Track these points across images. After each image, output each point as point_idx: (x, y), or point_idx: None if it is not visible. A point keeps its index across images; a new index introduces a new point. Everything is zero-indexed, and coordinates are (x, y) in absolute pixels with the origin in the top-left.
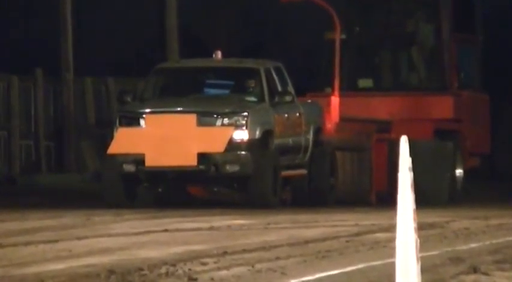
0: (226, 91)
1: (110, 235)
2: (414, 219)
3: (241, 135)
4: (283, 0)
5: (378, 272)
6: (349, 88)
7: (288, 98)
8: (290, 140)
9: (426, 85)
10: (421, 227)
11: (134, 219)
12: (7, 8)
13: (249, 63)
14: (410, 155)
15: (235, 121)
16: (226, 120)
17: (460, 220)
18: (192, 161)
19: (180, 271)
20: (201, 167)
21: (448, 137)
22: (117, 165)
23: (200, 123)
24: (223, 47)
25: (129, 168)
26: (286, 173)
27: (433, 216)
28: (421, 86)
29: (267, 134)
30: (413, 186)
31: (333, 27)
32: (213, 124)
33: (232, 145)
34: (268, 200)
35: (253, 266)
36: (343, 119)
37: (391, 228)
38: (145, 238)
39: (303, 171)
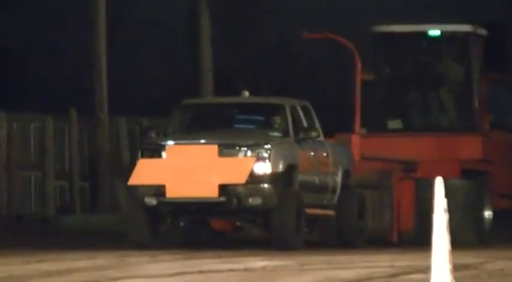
0: (251, 126)
1: (144, 276)
2: (449, 261)
3: (264, 167)
4: (304, 36)
5: None
6: (378, 129)
7: (313, 134)
8: (316, 178)
9: (455, 126)
10: (455, 268)
11: (169, 260)
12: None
13: (274, 99)
14: (430, 194)
15: (258, 153)
16: (248, 152)
17: (494, 261)
18: (213, 193)
19: None
20: (222, 199)
21: (477, 177)
22: (139, 199)
23: (222, 154)
24: (254, 87)
25: (151, 201)
26: (311, 211)
27: (467, 257)
28: (450, 127)
29: (290, 169)
30: (448, 228)
31: (355, 65)
32: (234, 156)
33: (254, 177)
34: (291, 236)
35: None
36: (365, 158)
37: (427, 269)
38: (180, 279)
39: (331, 212)
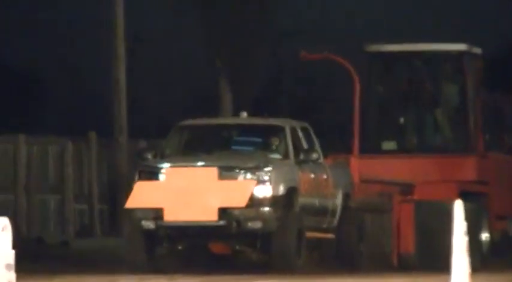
0: (251, 148)
1: None
2: None
3: (265, 191)
4: (303, 58)
5: None
6: (372, 149)
7: (314, 156)
8: (316, 201)
9: (451, 147)
10: None
11: (196, 280)
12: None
13: (273, 121)
14: (431, 217)
15: (258, 176)
16: (248, 175)
17: None
18: (213, 216)
19: None
20: (222, 222)
21: (474, 199)
22: (137, 222)
23: (222, 177)
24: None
25: (148, 224)
26: (312, 234)
27: (484, 280)
28: (445, 148)
29: (291, 191)
30: (468, 250)
31: (353, 86)
32: (235, 178)
33: (254, 201)
34: (291, 260)
35: None
36: (363, 181)
37: None
38: None
39: (330, 235)
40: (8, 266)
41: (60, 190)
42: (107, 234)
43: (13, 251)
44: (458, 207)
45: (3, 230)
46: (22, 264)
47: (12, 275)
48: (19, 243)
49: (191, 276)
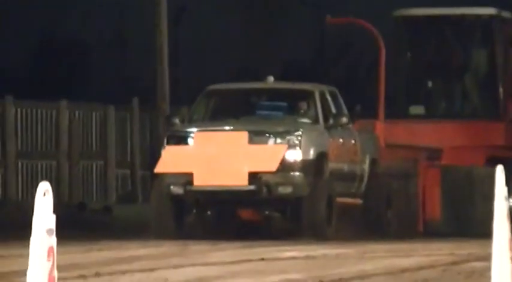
0: (279, 113)
1: (206, 264)
2: (510, 249)
3: (295, 155)
4: (329, 22)
5: None
6: (398, 115)
7: (343, 121)
8: (345, 167)
9: (479, 112)
10: None
11: (230, 248)
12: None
13: (303, 85)
14: (458, 182)
15: (288, 140)
16: (279, 140)
17: None
18: (243, 181)
19: None
20: (252, 187)
21: (504, 165)
22: (165, 188)
23: (252, 142)
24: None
25: (177, 190)
26: (341, 200)
27: None
28: (473, 113)
29: (321, 156)
30: (509, 216)
31: (379, 51)
32: (265, 143)
33: (285, 165)
34: (322, 228)
35: None
36: (389, 146)
37: (487, 257)
38: (242, 267)
39: (359, 201)
40: (49, 231)
41: (103, 156)
42: (149, 200)
43: (54, 216)
44: (500, 172)
45: (44, 194)
46: (64, 229)
47: (53, 240)
48: (61, 209)
49: (233, 242)
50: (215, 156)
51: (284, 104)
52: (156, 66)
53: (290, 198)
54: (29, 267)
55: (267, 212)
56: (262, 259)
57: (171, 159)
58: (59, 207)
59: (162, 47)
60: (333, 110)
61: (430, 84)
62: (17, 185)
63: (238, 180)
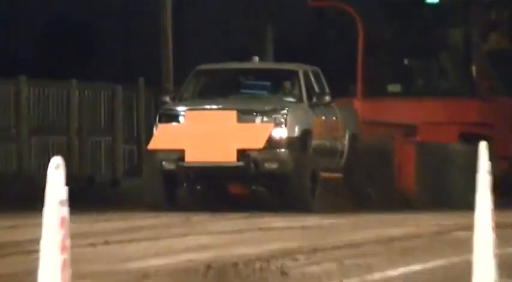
0: (265, 92)
1: (207, 233)
2: (492, 219)
3: (281, 132)
4: (311, 4)
5: (457, 267)
6: (378, 93)
7: (326, 99)
8: (327, 143)
9: (454, 90)
10: (498, 226)
11: (230, 219)
12: (112, 20)
13: (287, 65)
14: (432, 157)
15: (275, 119)
16: (265, 118)
17: None
18: (232, 158)
19: (273, 266)
20: (240, 163)
21: (475, 141)
22: (157, 163)
23: (240, 120)
24: None
25: (169, 165)
26: (324, 174)
27: (509, 216)
28: (448, 91)
29: (306, 134)
30: (491, 188)
31: (357, 32)
32: (252, 121)
33: (271, 142)
34: (306, 200)
35: (341, 262)
36: (367, 122)
37: (471, 227)
38: (241, 236)
39: (340, 175)
40: (61, 202)
41: (111, 132)
42: None
43: (66, 188)
44: (483, 148)
45: (56, 168)
46: (74, 201)
47: (65, 211)
48: (71, 182)
49: (232, 213)
50: (205, 134)
51: (268, 83)
52: (160, 47)
53: (276, 173)
54: (42, 236)
55: (254, 187)
56: (260, 229)
57: (163, 137)
58: (69, 181)
59: (166, 29)
60: (316, 89)
61: (407, 63)
62: (30, 159)
63: (227, 156)
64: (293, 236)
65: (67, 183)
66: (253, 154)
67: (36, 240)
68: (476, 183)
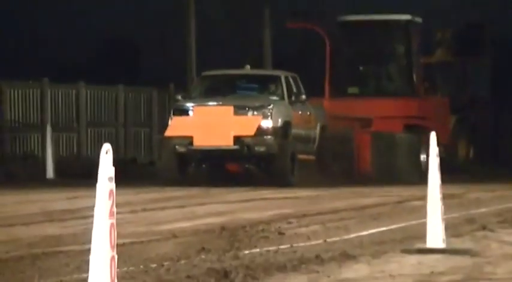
0: (255, 92)
1: (222, 202)
2: (440, 191)
3: (267, 123)
4: (289, 25)
5: (414, 229)
6: (341, 94)
7: (302, 98)
8: (303, 132)
9: (399, 91)
10: (445, 197)
11: (242, 191)
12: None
13: (271, 72)
14: (383, 144)
15: (263, 113)
16: (255, 112)
17: (473, 192)
18: (229, 142)
19: (273, 228)
20: (236, 147)
21: (417, 131)
22: (172, 147)
23: (236, 113)
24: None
25: (181, 148)
26: (301, 156)
27: (452, 189)
28: (395, 92)
29: (286, 124)
30: (439, 168)
31: (327, 48)
32: (245, 114)
33: (260, 131)
34: (287, 177)
35: (324, 225)
36: (333, 117)
37: (424, 197)
38: (248, 204)
39: (313, 157)
40: (110, 178)
41: (149, 125)
42: None
43: (113, 168)
44: (433, 137)
45: (106, 152)
46: (120, 178)
47: (113, 185)
48: (118, 163)
49: (243, 187)
50: (209, 124)
51: (257, 85)
52: (186, 58)
53: (264, 155)
54: (96, 204)
55: (247, 166)
56: (262, 199)
57: (177, 126)
58: (116, 162)
59: (190, 43)
60: (295, 90)
61: (363, 70)
62: (87, 145)
63: (226, 141)
64: (287, 205)
65: (114, 164)
66: (247, 140)
67: (92, 208)
68: (416, 163)
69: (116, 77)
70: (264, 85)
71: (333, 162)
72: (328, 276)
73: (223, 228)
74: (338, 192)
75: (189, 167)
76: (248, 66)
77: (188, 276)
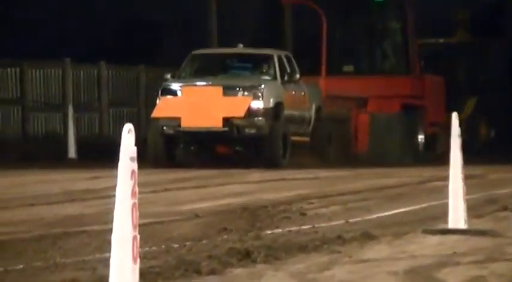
0: (247, 72)
1: (243, 183)
2: (462, 172)
3: (258, 104)
4: (284, 2)
5: (435, 209)
6: (335, 72)
7: (296, 77)
8: (297, 113)
9: (395, 69)
10: (466, 178)
11: (261, 171)
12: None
13: (265, 50)
14: (381, 124)
15: (254, 93)
16: (246, 92)
17: (494, 173)
18: (218, 124)
19: (294, 208)
20: (225, 129)
21: (413, 110)
22: (159, 128)
23: (225, 94)
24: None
25: (169, 130)
26: (294, 138)
27: (473, 170)
28: (391, 70)
29: (278, 105)
30: (461, 148)
31: (322, 25)
32: (235, 95)
33: (250, 112)
34: (278, 160)
35: (345, 205)
36: (329, 97)
37: (445, 178)
38: (269, 185)
39: (307, 139)
40: (132, 159)
41: None
42: None
43: (135, 148)
44: (455, 118)
45: (128, 132)
46: (140, 157)
47: (135, 165)
48: (139, 143)
49: (262, 167)
50: (197, 105)
51: (249, 64)
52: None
53: (254, 137)
54: (117, 184)
55: (237, 148)
56: (284, 179)
57: (164, 107)
58: (138, 141)
59: (211, 30)
60: (288, 70)
61: (358, 49)
62: (109, 125)
63: (215, 123)
64: (308, 185)
65: (136, 144)
66: (236, 121)
67: (113, 188)
68: (412, 144)
69: (136, 57)
70: (256, 64)
71: (328, 144)
72: (350, 257)
73: (244, 208)
74: (358, 172)
75: (177, 148)
76: (241, 45)
77: (210, 256)
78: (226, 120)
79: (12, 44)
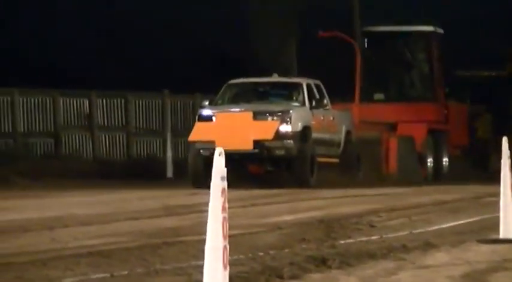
0: (278, 98)
1: (321, 198)
2: (510, 189)
3: (287, 128)
4: (320, 35)
5: (488, 221)
6: (367, 99)
7: (324, 103)
8: (326, 136)
9: (422, 97)
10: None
11: (335, 188)
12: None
13: (295, 79)
14: (408, 147)
15: (282, 117)
16: (275, 117)
17: None
18: (249, 146)
19: (364, 221)
20: (256, 150)
21: (439, 134)
22: (196, 151)
23: (255, 119)
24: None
25: (205, 152)
26: (322, 159)
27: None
28: (417, 98)
29: (306, 129)
30: (511, 168)
31: (356, 57)
32: (265, 119)
33: (279, 135)
34: (306, 178)
35: (410, 218)
36: (362, 121)
37: (497, 194)
38: (342, 200)
39: (336, 160)
40: (222, 178)
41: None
42: None
43: (225, 169)
44: (505, 141)
45: (219, 155)
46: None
47: (225, 184)
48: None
49: (336, 185)
50: (230, 129)
51: (280, 92)
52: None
53: (284, 158)
54: (210, 200)
55: (268, 168)
56: (354, 196)
57: (200, 131)
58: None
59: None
60: (317, 96)
61: (388, 78)
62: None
63: (246, 145)
64: (377, 200)
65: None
66: (266, 143)
67: (206, 203)
68: (438, 164)
69: (159, 85)
70: (287, 92)
71: (358, 165)
72: (413, 263)
73: (321, 221)
74: (420, 189)
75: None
76: (276, 74)
77: (291, 263)
78: (257, 143)
79: (117, 74)
